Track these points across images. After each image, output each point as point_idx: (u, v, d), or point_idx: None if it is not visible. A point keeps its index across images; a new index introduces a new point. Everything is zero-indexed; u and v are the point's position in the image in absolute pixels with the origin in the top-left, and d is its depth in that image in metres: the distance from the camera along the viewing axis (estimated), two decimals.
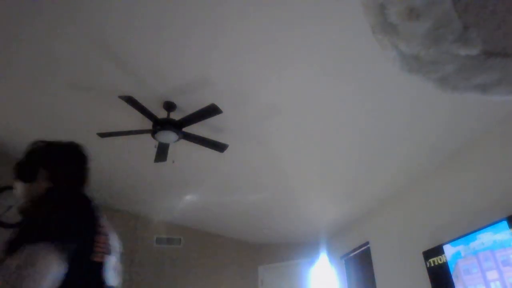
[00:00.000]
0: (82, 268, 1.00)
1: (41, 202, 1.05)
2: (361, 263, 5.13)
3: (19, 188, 1.14)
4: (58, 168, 1.16)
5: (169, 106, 3.02)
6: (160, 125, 2.92)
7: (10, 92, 3.07)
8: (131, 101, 2.68)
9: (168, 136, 2.98)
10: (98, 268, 1.05)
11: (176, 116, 3.00)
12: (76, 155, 1.22)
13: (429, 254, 3.29)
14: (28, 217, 1.04)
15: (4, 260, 0.88)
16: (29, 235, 0.93)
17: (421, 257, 3.41)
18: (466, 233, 2.85)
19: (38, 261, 0.87)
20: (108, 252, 1.09)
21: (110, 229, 1.16)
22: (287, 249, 6.70)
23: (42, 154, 1.17)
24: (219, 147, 3.23)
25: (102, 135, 3.09)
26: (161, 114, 3.00)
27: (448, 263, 3.00)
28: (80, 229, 1.04)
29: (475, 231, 2.75)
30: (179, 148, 3.41)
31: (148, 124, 3.02)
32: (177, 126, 2.93)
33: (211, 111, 2.73)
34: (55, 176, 1.14)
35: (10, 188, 4.24)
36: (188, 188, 4.92)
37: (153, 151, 3.36)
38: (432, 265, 3.22)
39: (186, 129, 3.01)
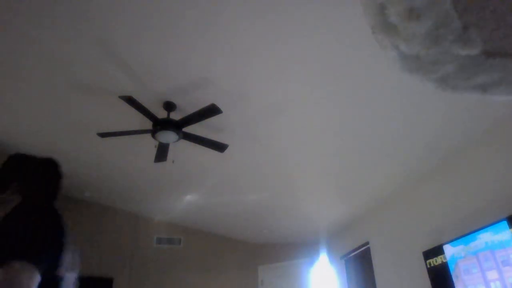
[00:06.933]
0: (48, 283, 1.00)
1: (12, 216, 1.05)
2: (361, 263, 5.13)
3: None
4: (31, 182, 1.17)
5: (169, 106, 3.02)
6: (160, 125, 2.92)
7: (10, 92, 3.07)
8: (131, 101, 2.68)
9: (168, 136, 2.98)
10: (60, 283, 1.06)
11: (176, 116, 3.00)
12: (50, 172, 1.23)
13: (429, 254, 3.29)
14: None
15: None
16: (4, 250, 0.94)
17: (421, 257, 3.41)
18: (466, 233, 2.85)
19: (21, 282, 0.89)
20: (72, 268, 1.10)
21: (74, 245, 1.17)
22: (287, 249, 6.70)
23: (16, 167, 1.19)
24: (219, 147, 3.23)
25: (102, 135, 3.09)
26: (161, 114, 3.00)
27: (448, 263, 3.00)
28: (52, 246, 1.04)
29: (475, 231, 2.76)
30: (179, 148, 3.41)
31: (148, 124, 3.02)
32: (177, 126, 2.93)
33: (211, 111, 2.73)
34: (27, 190, 1.14)
35: None
36: (188, 188, 4.92)
37: (153, 151, 3.36)
38: (432, 265, 3.22)
39: (186, 129, 3.01)
